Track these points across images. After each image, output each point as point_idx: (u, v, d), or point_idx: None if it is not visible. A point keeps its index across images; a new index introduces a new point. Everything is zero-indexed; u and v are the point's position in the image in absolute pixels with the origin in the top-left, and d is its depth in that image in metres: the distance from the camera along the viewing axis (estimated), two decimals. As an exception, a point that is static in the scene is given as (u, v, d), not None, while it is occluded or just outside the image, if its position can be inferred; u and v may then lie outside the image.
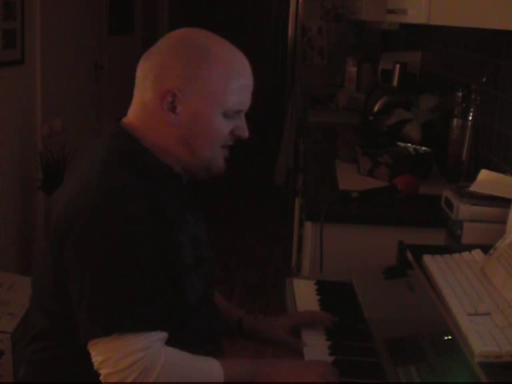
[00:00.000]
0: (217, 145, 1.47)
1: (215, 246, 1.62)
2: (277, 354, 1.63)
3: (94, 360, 1.31)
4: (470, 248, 1.63)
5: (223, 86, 1.43)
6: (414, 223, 2.13)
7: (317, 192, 2.46)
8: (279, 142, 5.29)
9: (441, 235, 2.04)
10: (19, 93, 3.61)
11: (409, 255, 1.70)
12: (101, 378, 1.30)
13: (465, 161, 2.45)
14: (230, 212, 5.61)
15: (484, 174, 1.98)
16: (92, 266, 1.31)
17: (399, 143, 2.70)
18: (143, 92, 1.45)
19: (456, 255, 1.61)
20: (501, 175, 1.99)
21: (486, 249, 1.57)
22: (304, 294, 1.78)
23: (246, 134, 1.50)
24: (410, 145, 2.68)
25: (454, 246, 1.89)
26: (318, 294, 1.77)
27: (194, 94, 1.42)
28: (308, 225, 2.27)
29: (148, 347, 1.29)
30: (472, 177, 2.12)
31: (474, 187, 1.92)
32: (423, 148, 2.62)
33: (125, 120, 1.49)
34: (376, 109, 3.33)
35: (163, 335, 1.33)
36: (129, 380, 1.28)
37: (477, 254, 1.60)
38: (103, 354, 1.29)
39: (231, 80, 1.44)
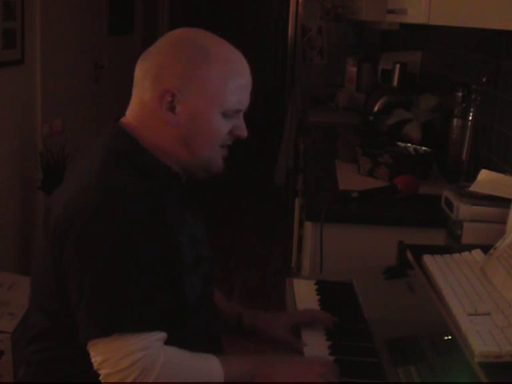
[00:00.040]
0: (216, 144, 1.47)
1: (215, 246, 1.62)
2: (277, 350, 1.63)
3: (93, 360, 1.31)
4: (470, 248, 1.63)
5: (222, 86, 1.43)
6: (414, 223, 2.13)
7: (317, 192, 2.46)
8: (279, 142, 5.29)
9: (441, 235, 2.04)
10: (19, 93, 3.62)
11: (409, 255, 1.70)
12: (100, 378, 1.30)
13: (465, 161, 2.45)
14: (229, 212, 5.61)
15: (484, 174, 1.98)
16: (91, 266, 1.31)
17: (399, 143, 2.70)
18: (142, 92, 1.45)
19: (456, 255, 1.61)
20: (501, 175, 1.99)
21: (486, 249, 1.57)
22: (304, 294, 1.78)
23: (244, 133, 1.50)
24: (410, 145, 2.68)
25: (454, 245, 1.89)
26: (318, 294, 1.77)
27: (193, 93, 1.42)
28: (308, 225, 2.27)
29: (147, 347, 1.29)
30: (472, 177, 2.12)
31: (474, 187, 1.92)
32: (423, 148, 2.62)
33: (123, 120, 1.49)
34: (376, 109, 3.33)
35: (162, 335, 1.33)
36: (128, 380, 1.28)
37: (477, 254, 1.60)
38: (103, 355, 1.29)
39: (230, 80, 1.44)
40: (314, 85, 5.22)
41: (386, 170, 2.47)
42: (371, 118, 3.29)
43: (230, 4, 8.41)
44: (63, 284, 1.36)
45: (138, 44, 5.60)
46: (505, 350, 1.19)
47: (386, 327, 1.52)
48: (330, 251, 2.11)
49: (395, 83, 3.62)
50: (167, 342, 1.34)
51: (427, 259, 1.60)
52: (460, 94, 2.52)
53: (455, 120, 2.54)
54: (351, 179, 2.52)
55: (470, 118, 2.43)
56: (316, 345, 1.53)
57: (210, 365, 1.37)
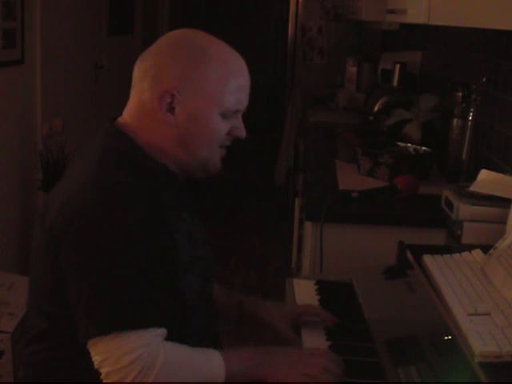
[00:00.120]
0: (215, 145, 1.48)
1: (215, 246, 1.62)
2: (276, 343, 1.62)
3: (94, 359, 1.31)
4: (470, 248, 1.64)
5: (221, 86, 1.43)
6: (414, 223, 2.13)
7: (317, 192, 2.46)
8: (279, 142, 5.29)
9: (441, 235, 2.04)
10: (19, 93, 3.62)
11: (409, 255, 1.70)
12: (102, 377, 1.31)
13: (465, 161, 2.46)
14: (230, 212, 5.61)
15: (484, 174, 1.98)
16: (89, 265, 1.32)
17: (399, 143, 2.71)
18: (141, 93, 1.46)
19: (456, 255, 1.61)
20: (501, 175, 1.99)
21: (486, 249, 1.57)
22: (304, 294, 1.78)
23: (243, 134, 1.50)
24: (410, 145, 2.68)
25: (454, 245, 1.89)
26: (318, 294, 1.77)
27: (192, 94, 1.43)
28: (308, 225, 2.27)
29: (147, 344, 1.30)
30: (472, 177, 2.12)
31: (474, 187, 1.92)
32: (423, 148, 2.62)
33: (120, 120, 1.49)
34: (376, 109, 3.33)
35: (162, 331, 1.33)
36: (130, 377, 1.28)
37: (477, 254, 1.60)
38: (103, 353, 1.30)
39: (229, 80, 1.44)
40: (314, 85, 5.22)
41: (386, 170, 2.47)
42: (371, 118, 3.29)
43: (230, 4, 8.41)
44: (61, 284, 1.36)
45: (138, 44, 5.60)
46: (505, 350, 1.19)
47: (386, 327, 1.52)
48: (330, 251, 2.11)
49: (395, 83, 3.62)
50: (166, 340, 1.34)
51: (427, 259, 1.60)
52: (460, 94, 2.52)
53: (455, 120, 2.54)
54: (351, 179, 2.52)
55: (470, 118, 2.43)
56: (316, 345, 1.53)
57: (211, 359, 1.37)
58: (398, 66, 3.62)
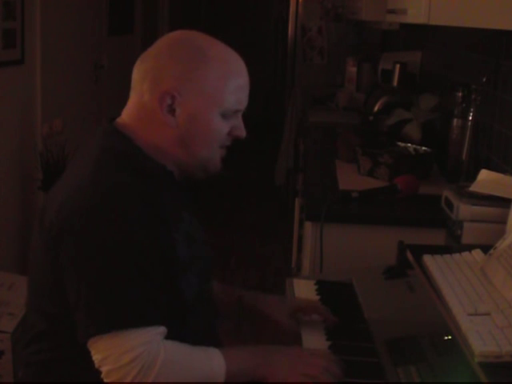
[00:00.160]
0: (215, 145, 1.48)
1: (215, 246, 1.62)
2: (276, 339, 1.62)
3: (94, 358, 1.31)
4: (470, 248, 1.64)
5: (221, 87, 1.44)
6: (414, 223, 2.13)
7: (317, 192, 2.46)
8: (279, 142, 5.29)
9: (441, 235, 2.04)
10: (19, 93, 3.62)
11: (409, 255, 1.70)
12: (102, 375, 1.31)
13: (465, 161, 2.46)
14: (230, 212, 5.61)
15: (484, 174, 1.98)
16: (89, 264, 1.32)
17: (399, 143, 2.70)
18: (140, 94, 1.46)
19: (456, 255, 1.61)
20: (501, 175, 1.99)
21: (486, 249, 1.57)
22: (304, 294, 1.78)
23: (243, 134, 1.51)
24: (410, 145, 2.68)
25: (454, 246, 1.89)
26: (318, 294, 1.77)
27: (193, 95, 1.43)
28: (308, 225, 2.27)
29: (148, 342, 1.30)
30: (472, 177, 2.12)
31: (474, 187, 1.92)
32: (423, 148, 2.62)
33: (118, 120, 1.50)
34: (376, 109, 3.33)
35: (162, 329, 1.34)
36: (130, 376, 1.28)
37: (477, 254, 1.60)
38: (103, 352, 1.30)
39: (229, 80, 1.45)
40: (314, 85, 5.22)
41: (386, 170, 2.47)
42: (371, 118, 3.29)
43: (230, 4, 8.41)
44: (60, 284, 1.36)
45: (138, 44, 5.60)
46: (505, 350, 1.19)
47: (386, 327, 1.52)
48: (330, 251, 2.11)
49: (395, 83, 3.62)
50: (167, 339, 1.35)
51: (427, 259, 1.60)
52: (460, 94, 2.52)
53: (455, 120, 2.54)
54: (351, 179, 2.52)
55: (470, 118, 2.43)
56: (316, 345, 1.53)
57: (212, 357, 1.38)
58: (398, 66, 3.62)
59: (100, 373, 1.31)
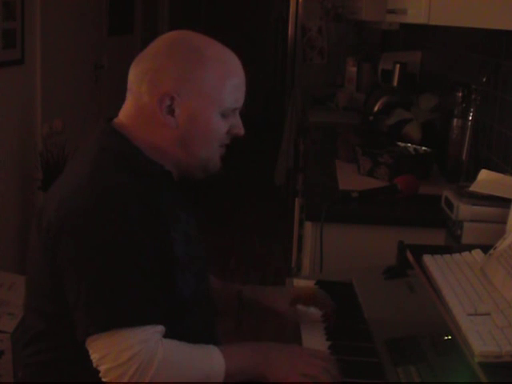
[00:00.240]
0: (215, 144, 1.49)
1: (215, 246, 1.63)
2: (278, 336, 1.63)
3: (92, 357, 1.31)
4: (470, 248, 1.63)
5: (220, 87, 1.45)
6: (414, 223, 2.13)
7: (317, 192, 2.46)
8: (279, 142, 5.29)
9: (441, 235, 2.04)
10: (19, 93, 3.62)
11: (409, 255, 1.70)
12: (100, 374, 1.31)
13: (465, 161, 2.46)
14: (230, 212, 5.61)
15: (484, 174, 1.98)
16: (87, 264, 1.32)
17: (399, 143, 2.70)
18: (138, 96, 1.46)
19: (456, 255, 1.61)
20: (501, 175, 1.99)
21: (486, 249, 1.57)
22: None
23: (242, 131, 1.52)
24: (410, 145, 2.68)
25: (454, 246, 1.89)
26: (318, 294, 1.77)
27: (191, 95, 1.43)
28: (308, 225, 2.27)
29: (146, 340, 1.30)
30: (472, 177, 2.12)
31: (474, 187, 1.92)
32: (423, 148, 2.62)
33: (116, 121, 1.50)
34: (376, 109, 3.33)
35: (161, 328, 1.34)
36: (128, 374, 1.28)
37: (477, 254, 1.60)
38: (102, 350, 1.30)
39: (227, 80, 1.45)
40: (313, 85, 5.22)
41: (386, 170, 2.47)
42: (371, 118, 3.29)
43: (230, 4, 8.41)
44: (59, 284, 1.36)
45: (138, 44, 5.60)
46: (505, 350, 1.19)
47: (386, 327, 1.52)
48: (330, 251, 2.11)
49: (395, 83, 3.62)
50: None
51: (427, 259, 1.60)
52: (460, 94, 2.52)
53: (455, 120, 2.54)
54: (351, 179, 2.52)
55: (470, 118, 2.43)
56: (316, 345, 1.53)
57: (211, 355, 1.38)
58: (398, 66, 3.62)
59: (99, 372, 1.31)
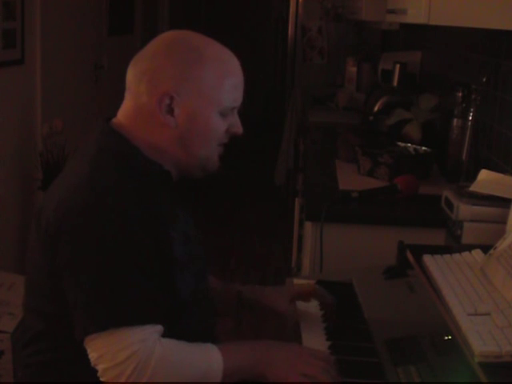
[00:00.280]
0: (214, 144, 1.49)
1: (215, 246, 1.63)
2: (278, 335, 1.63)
3: (90, 356, 1.31)
4: (470, 248, 1.64)
5: (218, 86, 1.45)
6: (414, 223, 2.13)
7: (317, 192, 2.46)
8: (279, 142, 5.29)
9: (441, 235, 2.04)
10: (19, 93, 3.62)
11: (409, 255, 1.70)
12: (98, 373, 1.31)
13: (465, 161, 2.46)
14: (229, 212, 5.61)
15: (484, 174, 1.98)
16: (86, 263, 1.32)
17: (399, 143, 2.71)
18: (137, 96, 1.46)
19: (456, 255, 1.61)
20: (501, 175, 1.99)
21: (486, 249, 1.57)
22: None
23: (240, 130, 1.52)
24: (410, 145, 2.68)
25: (454, 246, 1.89)
26: (317, 294, 1.77)
27: (190, 95, 1.44)
28: (308, 225, 2.27)
29: (144, 339, 1.30)
30: (472, 177, 2.12)
31: (474, 187, 1.92)
32: (423, 148, 2.62)
33: (114, 120, 1.50)
34: (376, 109, 3.33)
35: (159, 327, 1.34)
36: (126, 373, 1.28)
37: (477, 254, 1.60)
38: (100, 349, 1.30)
39: (226, 79, 1.46)
40: (314, 85, 5.22)
41: (386, 170, 2.47)
42: (371, 118, 3.29)
43: (230, 4, 8.41)
44: (58, 284, 1.36)
45: (138, 44, 5.59)
46: (505, 350, 1.19)
47: (386, 327, 1.52)
48: (330, 251, 2.11)
49: (395, 83, 3.62)
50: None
51: (427, 259, 1.60)
52: (460, 94, 2.52)
53: (455, 120, 2.54)
54: (351, 179, 2.52)
55: (470, 118, 2.43)
56: (316, 345, 1.53)
57: (209, 354, 1.38)
58: (397, 66, 3.62)
59: (97, 371, 1.31)
